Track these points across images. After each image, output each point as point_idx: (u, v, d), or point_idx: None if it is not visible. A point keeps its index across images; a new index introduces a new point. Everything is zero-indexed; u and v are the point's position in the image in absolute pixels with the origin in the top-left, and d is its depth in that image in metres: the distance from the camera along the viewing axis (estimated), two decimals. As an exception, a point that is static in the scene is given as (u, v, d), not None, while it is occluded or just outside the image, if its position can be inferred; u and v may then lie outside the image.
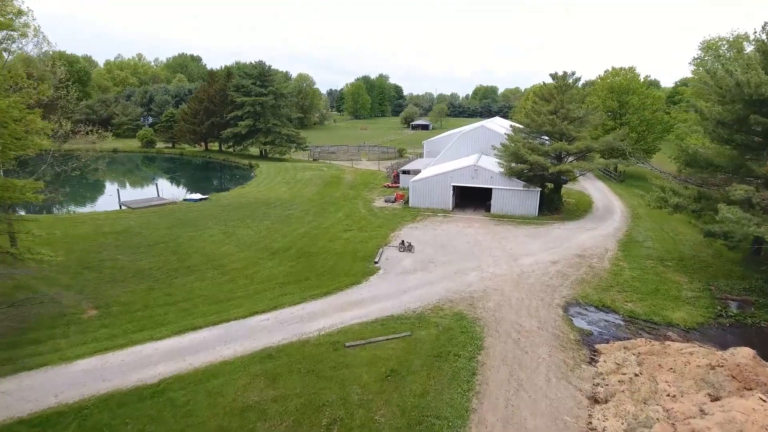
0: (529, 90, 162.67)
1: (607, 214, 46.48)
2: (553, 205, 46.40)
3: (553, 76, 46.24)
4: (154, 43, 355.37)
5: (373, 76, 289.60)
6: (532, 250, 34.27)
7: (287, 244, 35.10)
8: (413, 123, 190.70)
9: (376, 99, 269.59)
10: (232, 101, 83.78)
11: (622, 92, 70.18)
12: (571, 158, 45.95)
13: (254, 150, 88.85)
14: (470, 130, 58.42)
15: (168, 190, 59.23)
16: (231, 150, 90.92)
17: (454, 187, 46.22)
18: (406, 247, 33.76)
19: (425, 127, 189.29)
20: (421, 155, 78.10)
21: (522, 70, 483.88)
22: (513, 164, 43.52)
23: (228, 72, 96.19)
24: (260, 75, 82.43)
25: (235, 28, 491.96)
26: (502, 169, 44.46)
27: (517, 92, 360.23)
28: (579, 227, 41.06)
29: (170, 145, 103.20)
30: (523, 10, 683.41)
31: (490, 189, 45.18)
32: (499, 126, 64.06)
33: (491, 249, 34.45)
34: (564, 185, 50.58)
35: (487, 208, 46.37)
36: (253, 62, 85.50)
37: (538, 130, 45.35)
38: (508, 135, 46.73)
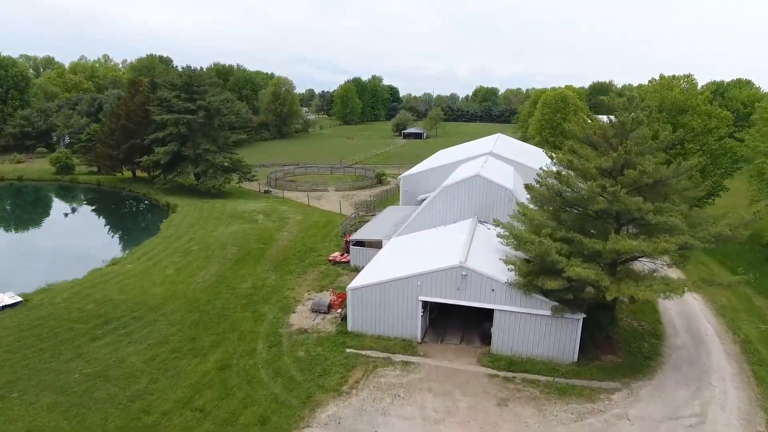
0: (534, 95, 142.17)
1: (698, 353, 25.98)
2: (603, 335, 26.10)
3: (612, 108, 26.26)
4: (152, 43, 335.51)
5: (365, 77, 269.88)
6: None
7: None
8: (405, 131, 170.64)
9: (368, 103, 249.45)
10: (153, 120, 63.80)
11: (678, 111, 49.99)
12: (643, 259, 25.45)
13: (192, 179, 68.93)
14: (459, 183, 38.09)
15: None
16: (162, 178, 70.85)
17: (425, 302, 26.21)
18: None
19: (419, 136, 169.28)
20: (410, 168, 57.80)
21: (525, 71, 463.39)
22: (534, 277, 23.13)
23: (152, 81, 76.37)
24: (186, 85, 62.24)
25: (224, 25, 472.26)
26: (511, 274, 24.31)
27: (519, 94, 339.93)
28: (665, 405, 20.95)
29: (95, 169, 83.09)
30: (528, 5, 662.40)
31: (491, 309, 25.07)
32: (504, 168, 43.82)
33: None
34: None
35: (484, 337, 26.32)
36: (182, 68, 65.81)
37: (579, 205, 25.16)
38: (524, 212, 26.22)
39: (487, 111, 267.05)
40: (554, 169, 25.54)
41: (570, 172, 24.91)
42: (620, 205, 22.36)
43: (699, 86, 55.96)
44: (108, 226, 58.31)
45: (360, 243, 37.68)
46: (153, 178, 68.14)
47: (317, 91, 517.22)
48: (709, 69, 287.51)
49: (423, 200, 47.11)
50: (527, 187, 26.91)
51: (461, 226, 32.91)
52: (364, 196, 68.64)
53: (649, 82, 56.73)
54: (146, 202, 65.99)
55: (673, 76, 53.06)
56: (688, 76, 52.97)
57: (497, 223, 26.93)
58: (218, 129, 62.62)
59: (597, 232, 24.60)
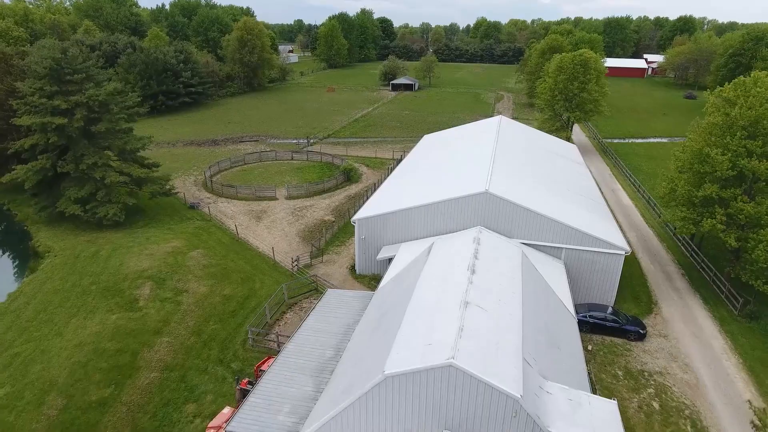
0: (542, 44, 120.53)
1: None
2: None
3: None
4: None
5: (352, 12, 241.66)
6: None
7: None
8: (395, 82, 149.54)
9: (356, 42, 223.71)
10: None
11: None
12: None
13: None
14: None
15: None
16: (35, 206, 52.23)
17: None
18: None
19: (409, 87, 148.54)
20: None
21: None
22: None
23: (24, 52, 56.65)
24: (55, 72, 42.69)
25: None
26: None
27: (524, 27, 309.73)
28: None
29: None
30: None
31: None
32: (504, 267, 27.55)
33: None
34: None
35: None
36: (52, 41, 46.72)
37: None
38: None
39: (489, 50, 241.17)
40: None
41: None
42: None
43: None
44: None
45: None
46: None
47: (306, 21, 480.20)
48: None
49: (387, 259, 31.61)
50: None
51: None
52: (321, 212, 52.30)
53: None
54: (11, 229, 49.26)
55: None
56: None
57: None
58: (111, 132, 44.87)
59: None
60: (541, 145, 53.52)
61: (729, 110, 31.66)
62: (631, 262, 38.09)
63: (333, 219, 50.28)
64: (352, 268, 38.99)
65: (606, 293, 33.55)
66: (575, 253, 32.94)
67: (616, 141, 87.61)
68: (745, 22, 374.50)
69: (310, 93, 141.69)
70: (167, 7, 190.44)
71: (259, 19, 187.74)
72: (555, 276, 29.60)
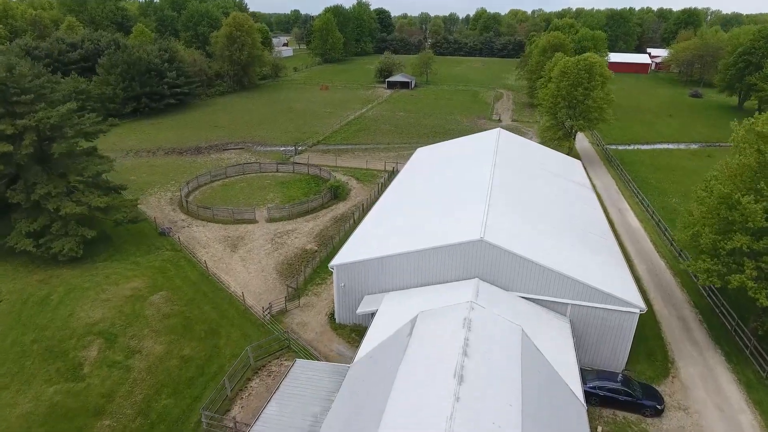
0: (543, 40, 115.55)
1: None
2: None
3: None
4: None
5: (348, 4, 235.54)
6: None
7: None
8: (390, 79, 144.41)
9: (351, 36, 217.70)
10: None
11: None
12: None
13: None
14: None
15: None
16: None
17: None
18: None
19: (405, 85, 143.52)
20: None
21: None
22: None
23: None
24: (0, 92, 37.87)
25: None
26: None
27: (525, 19, 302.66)
28: None
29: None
30: None
31: None
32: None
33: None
34: None
35: None
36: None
37: None
38: None
39: (488, 44, 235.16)
40: None
41: None
42: None
43: None
44: None
45: None
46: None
47: (305, 11, 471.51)
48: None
49: (369, 314, 27.66)
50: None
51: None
52: (303, 238, 48.06)
53: None
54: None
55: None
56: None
57: None
58: (68, 156, 40.38)
59: None
60: (543, 165, 49.17)
61: (764, 148, 27.27)
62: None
63: (315, 248, 46.07)
64: (332, 315, 34.88)
65: (617, 355, 29.47)
66: (583, 310, 28.82)
67: (620, 148, 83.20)
68: (749, 13, 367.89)
69: (303, 91, 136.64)
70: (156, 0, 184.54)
71: (255, 8, 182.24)
72: (560, 345, 25.47)
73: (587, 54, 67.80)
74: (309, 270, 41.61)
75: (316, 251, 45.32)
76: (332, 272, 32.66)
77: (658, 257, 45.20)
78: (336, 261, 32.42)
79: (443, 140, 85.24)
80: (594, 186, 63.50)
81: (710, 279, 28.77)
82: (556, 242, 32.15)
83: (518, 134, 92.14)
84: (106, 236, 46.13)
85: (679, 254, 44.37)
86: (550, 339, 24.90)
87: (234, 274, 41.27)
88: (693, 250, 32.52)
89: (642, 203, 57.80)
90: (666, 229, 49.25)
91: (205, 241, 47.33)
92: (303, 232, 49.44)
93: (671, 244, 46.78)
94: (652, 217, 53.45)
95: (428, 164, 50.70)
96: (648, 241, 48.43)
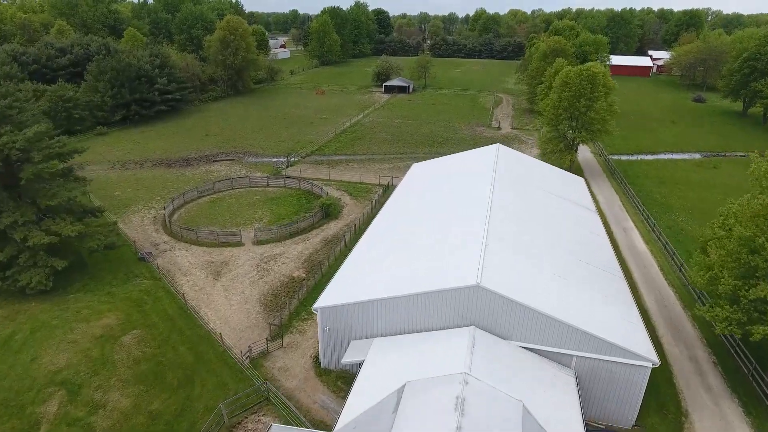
0: (543, 45, 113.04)
1: None
2: None
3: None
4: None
5: (345, 5, 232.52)
6: None
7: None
8: (388, 84, 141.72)
9: (349, 37, 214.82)
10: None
11: None
12: None
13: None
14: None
15: None
16: None
17: None
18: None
19: (403, 89, 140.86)
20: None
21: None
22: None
23: None
24: None
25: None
26: None
27: (525, 20, 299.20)
28: None
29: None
30: None
31: None
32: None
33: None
34: None
35: None
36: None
37: None
38: None
39: (488, 45, 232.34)
40: None
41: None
42: None
43: None
44: None
45: None
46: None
47: (304, 10, 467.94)
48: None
49: (354, 363, 25.20)
50: None
51: None
52: (291, 263, 45.45)
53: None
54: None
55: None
56: None
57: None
58: (38, 181, 37.80)
59: None
60: (544, 185, 46.56)
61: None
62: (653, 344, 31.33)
63: (303, 275, 43.50)
64: (317, 358, 32.29)
65: (626, 409, 26.92)
66: (589, 362, 26.28)
67: (623, 158, 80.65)
68: (750, 13, 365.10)
69: (298, 96, 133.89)
70: (150, 1, 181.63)
71: (253, 8, 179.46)
72: (565, 405, 22.88)
73: (590, 64, 65.14)
74: (295, 302, 39.02)
75: (304, 279, 42.73)
76: (316, 315, 30.08)
77: (666, 285, 42.62)
78: (320, 303, 29.84)
79: (441, 150, 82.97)
80: (597, 202, 61.03)
81: (729, 328, 26.18)
82: (559, 282, 29.58)
83: (518, 143, 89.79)
84: (81, 262, 43.56)
85: (693, 290, 41.85)
86: (554, 405, 22.32)
87: (215, 306, 38.67)
88: (709, 293, 29.89)
89: (647, 221, 55.20)
90: (674, 253, 46.66)
91: (186, 267, 44.72)
92: (291, 257, 46.85)
93: (680, 270, 44.23)
94: (659, 238, 50.86)
95: (423, 184, 48.10)
96: (655, 266, 45.84)
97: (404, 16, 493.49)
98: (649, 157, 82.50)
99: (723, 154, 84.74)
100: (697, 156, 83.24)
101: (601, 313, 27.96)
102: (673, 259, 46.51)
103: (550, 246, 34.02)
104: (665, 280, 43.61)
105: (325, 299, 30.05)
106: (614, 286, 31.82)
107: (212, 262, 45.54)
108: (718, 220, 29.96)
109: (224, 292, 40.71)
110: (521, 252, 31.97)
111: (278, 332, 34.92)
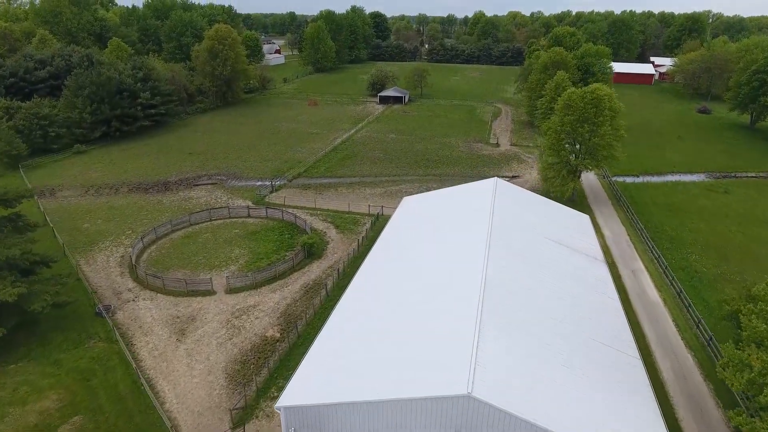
0: (544, 57, 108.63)
1: None
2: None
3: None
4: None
5: (340, 10, 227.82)
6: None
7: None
8: (383, 94, 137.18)
9: (345, 43, 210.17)
10: None
11: None
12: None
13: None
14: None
15: None
16: None
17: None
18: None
19: (399, 100, 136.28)
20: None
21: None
22: None
23: None
24: None
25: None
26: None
27: (524, 23, 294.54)
28: None
29: None
30: None
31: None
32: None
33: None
34: None
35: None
36: None
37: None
38: None
39: (486, 51, 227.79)
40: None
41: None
42: None
43: None
44: None
45: None
46: None
47: (302, 12, 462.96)
48: None
49: None
50: None
51: None
52: (266, 318, 40.89)
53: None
54: None
55: None
56: None
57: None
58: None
59: None
60: (546, 231, 42.01)
61: None
62: (669, 423, 26.81)
63: (278, 335, 38.96)
64: (285, 453, 27.72)
65: None
66: (603, 486, 21.71)
67: (629, 180, 76.18)
68: (751, 15, 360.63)
69: (290, 108, 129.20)
70: (140, 6, 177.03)
71: (250, 9, 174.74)
72: None
73: (595, 86, 60.55)
74: (265, 373, 34.49)
75: (278, 340, 38.18)
76: (279, 413, 25.51)
77: (683, 347, 38.12)
78: (284, 401, 25.27)
79: (436, 171, 78.56)
80: (603, 236, 56.54)
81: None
82: (566, 375, 25.05)
83: (517, 162, 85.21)
84: (32, 319, 38.98)
85: (708, 344, 37.44)
86: None
87: (174, 379, 34.12)
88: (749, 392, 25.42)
89: (658, 261, 50.70)
90: (690, 305, 42.20)
91: (149, 324, 40.16)
92: (266, 309, 42.31)
93: (697, 328, 39.78)
94: (672, 284, 46.34)
95: (412, 233, 43.49)
96: (669, 322, 41.34)
97: (402, 17, 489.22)
98: (656, 179, 78.00)
99: (733, 174, 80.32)
100: (707, 178, 78.71)
101: (614, 419, 23.42)
102: (689, 311, 42.03)
103: (555, 321, 29.47)
104: (681, 339, 39.11)
105: (291, 395, 25.48)
106: (631, 373, 27.26)
107: (178, 318, 40.98)
108: (740, 295, 25.44)
109: (187, 358, 36.15)
110: (521, 332, 27.42)
111: (241, 419, 30.34)
